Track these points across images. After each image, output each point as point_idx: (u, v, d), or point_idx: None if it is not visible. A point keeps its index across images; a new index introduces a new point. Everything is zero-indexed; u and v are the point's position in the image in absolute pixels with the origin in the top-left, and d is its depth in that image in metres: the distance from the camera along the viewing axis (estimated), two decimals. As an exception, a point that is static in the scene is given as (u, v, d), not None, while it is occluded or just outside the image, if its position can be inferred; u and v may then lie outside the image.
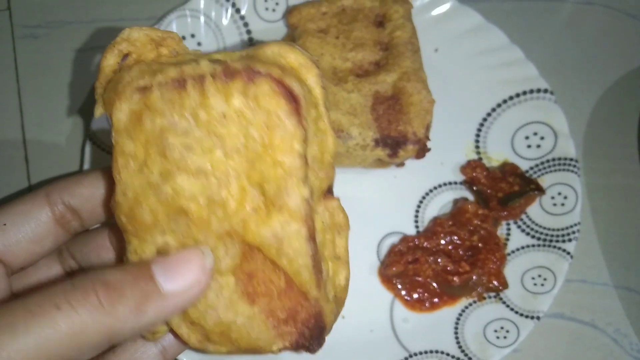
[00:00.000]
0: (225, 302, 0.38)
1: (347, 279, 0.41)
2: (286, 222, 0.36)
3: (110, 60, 0.40)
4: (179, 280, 0.36)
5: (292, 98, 0.36)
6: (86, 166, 0.64)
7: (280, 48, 0.38)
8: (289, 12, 0.68)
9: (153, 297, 0.35)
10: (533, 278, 0.63)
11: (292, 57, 0.37)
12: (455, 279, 0.62)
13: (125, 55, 0.40)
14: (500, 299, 0.63)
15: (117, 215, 0.39)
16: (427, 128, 0.63)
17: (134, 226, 0.38)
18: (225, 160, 0.36)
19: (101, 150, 0.64)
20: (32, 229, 0.44)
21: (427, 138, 0.63)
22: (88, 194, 0.46)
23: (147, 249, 0.38)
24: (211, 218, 0.37)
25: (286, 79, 0.36)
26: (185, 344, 0.41)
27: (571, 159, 0.66)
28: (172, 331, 0.41)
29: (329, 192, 0.40)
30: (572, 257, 0.63)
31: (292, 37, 0.70)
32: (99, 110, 0.39)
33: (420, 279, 0.63)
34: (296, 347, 0.38)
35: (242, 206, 0.37)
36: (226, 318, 0.38)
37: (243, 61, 0.37)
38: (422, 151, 0.63)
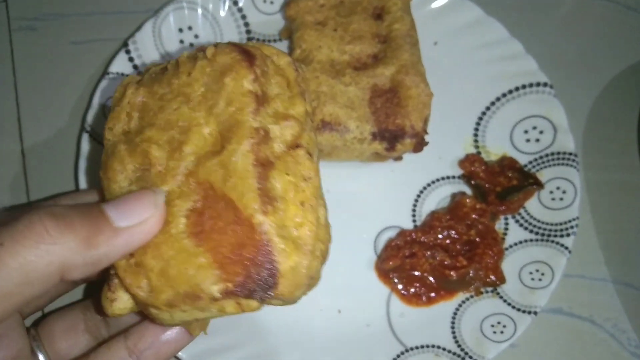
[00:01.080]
0: (169, 240, 0.37)
1: (313, 225, 0.38)
2: (233, 149, 0.38)
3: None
4: (131, 216, 0.36)
5: (245, 52, 0.41)
6: (82, 159, 0.64)
7: (257, 43, 0.45)
8: (287, 4, 0.68)
9: (104, 230, 0.35)
10: (531, 273, 0.63)
11: (266, 47, 0.43)
12: (452, 273, 0.62)
13: None
14: (498, 293, 0.63)
15: (99, 175, 0.42)
16: (425, 121, 0.62)
17: (107, 177, 0.41)
18: (188, 112, 0.40)
19: (97, 142, 0.64)
20: None
21: (425, 132, 0.63)
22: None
23: None
24: (170, 160, 0.39)
25: (244, 45, 0.42)
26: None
27: (570, 153, 0.65)
28: (142, 314, 0.40)
29: (296, 145, 0.40)
30: (570, 252, 0.62)
31: (289, 30, 0.69)
32: None
33: (417, 273, 0.63)
34: (242, 290, 0.36)
35: (199, 148, 0.39)
36: (166, 253, 0.37)
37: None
38: (419, 145, 0.63)
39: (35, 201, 0.68)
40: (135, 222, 0.36)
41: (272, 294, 0.36)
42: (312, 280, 0.39)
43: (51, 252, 0.33)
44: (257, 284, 0.36)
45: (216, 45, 0.42)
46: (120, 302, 0.40)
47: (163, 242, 0.37)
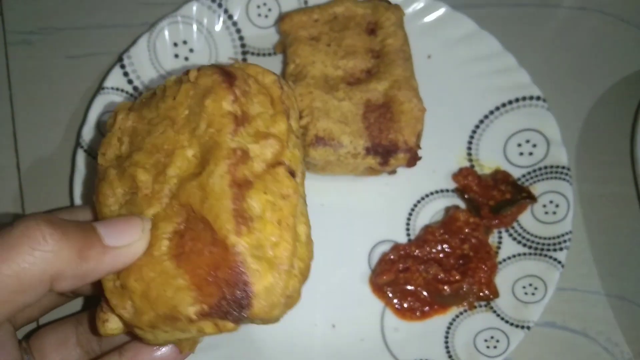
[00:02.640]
0: (150, 263, 0.38)
1: (289, 244, 0.38)
2: (211, 171, 0.38)
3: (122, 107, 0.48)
4: (119, 236, 0.38)
5: (226, 73, 0.41)
6: (77, 174, 0.64)
7: (243, 63, 0.46)
8: (281, 19, 0.68)
9: (95, 245, 0.37)
10: (524, 287, 0.63)
11: (252, 67, 0.44)
12: (446, 287, 0.62)
13: None
14: (491, 308, 0.63)
15: (93, 200, 0.44)
16: (418, 136, 0.63)
17: (98, 200, 0.43)
18: (174, 135, 0.41)
19: (92, 158, 0.64)
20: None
21: (418, 146, 0.63)
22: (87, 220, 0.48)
23: None
24: (155, 183, 0.40)
25: (226, 66, 0.43)
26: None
27: (563, 167, 0.66)
28: (131, 335, 0.42)
29: (279, 164, 0.41)
30: (563, 266, 0.63)
31: (284, 44, 0.69)
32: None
33: (411, 287, 0.63)
34: (217, 311, 0.36)
35: (182, 171, 0.40)
36: (148, 275, 0.38)
37: None
38: (413, 160, 0.63)
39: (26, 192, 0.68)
40: (122, 243, 0.38)
41: (247, 315, 0.36)
42: (290, 300, 0.38)
43: (45, 260, 0.34)
44: (230, 305, 0.36)
45: (200, 68, 0.43)
46: (113, 323, 0.40)
47: (145, 264, 0.38)
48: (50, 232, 0.34)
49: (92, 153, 0.65)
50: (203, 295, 0.36)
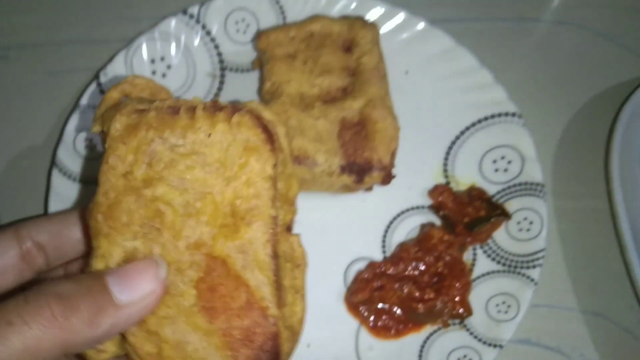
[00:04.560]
0: (184, 314, 0.39)
1: (303, 312, 0.43)
2: (254, 237, 0.39)
3: (113, 94, 0.45)
4: (133, 290, 0.37)
5: (267, 131, 0.41)
6: (52, 193, 0.64)
7: (259, 105, 0.44)
8: (258, 36, 0.68)
9: (107, 308, 0.36)
10: (497, 305, 0.63)
11: (267, 113, 0.43)
12: (420, 306, 0.62)
13: (126, 96, 0.46)
14: (465, 326, 0.63)
15: (94, 215, 0.41)
16: (393, 155, 0.63)
17: (108, 225, 0.40)
18: (204, 176, 0.40)
19: (66, 178, 0.64)
20: None
21: (392, 165, 0.63)
22: (56, 231, 0.48)
23: (115, 253, 0.40)
24: (184, 227, 0.40)
25: (262, 118, 0.42)
26: None
27: (537, 184, 0.66)
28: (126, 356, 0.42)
29: (289, 229, 0.43)
30: (536, 284, 0.63)
31: (260, 62, 0.70)
32: (95, 127, 0.44)
33: (385, 306, 0.63)
34: None
35: (213, 219, 0.40)
36: (183, 329, 0.39)
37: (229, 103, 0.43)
38: (387, 178, 0.63)
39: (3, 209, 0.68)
40: (136, 297, 0.37)
41: None
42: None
43: (56, 335, 0.34)
44: None
45: (236, 108, 0.41)
46: (107, 354, 0.41)
47: (178, 315, 0.39)
48: (59, 310, 0.34)
49: (66, 173, 0.64)
50: (238, 356, 0.39)
